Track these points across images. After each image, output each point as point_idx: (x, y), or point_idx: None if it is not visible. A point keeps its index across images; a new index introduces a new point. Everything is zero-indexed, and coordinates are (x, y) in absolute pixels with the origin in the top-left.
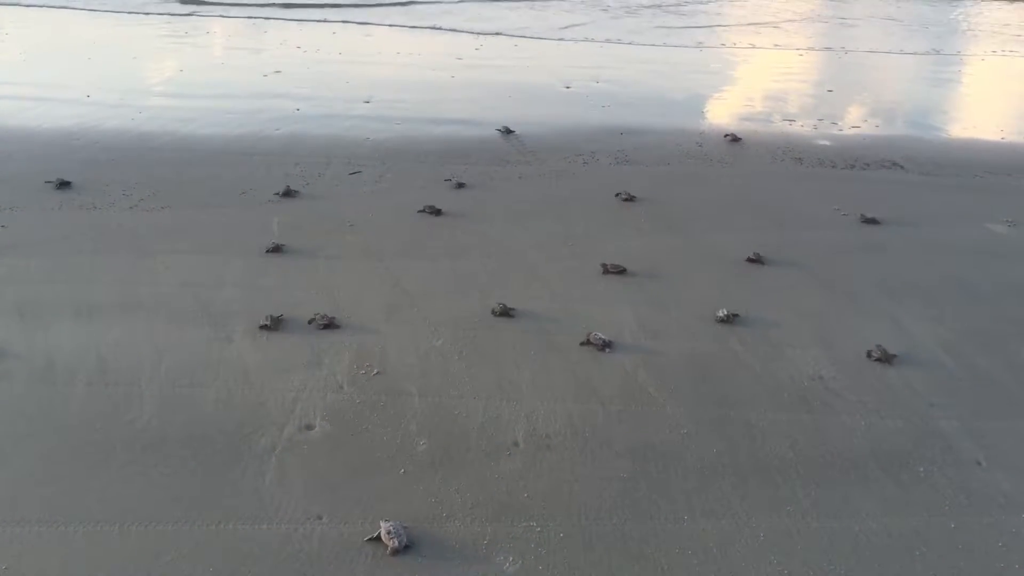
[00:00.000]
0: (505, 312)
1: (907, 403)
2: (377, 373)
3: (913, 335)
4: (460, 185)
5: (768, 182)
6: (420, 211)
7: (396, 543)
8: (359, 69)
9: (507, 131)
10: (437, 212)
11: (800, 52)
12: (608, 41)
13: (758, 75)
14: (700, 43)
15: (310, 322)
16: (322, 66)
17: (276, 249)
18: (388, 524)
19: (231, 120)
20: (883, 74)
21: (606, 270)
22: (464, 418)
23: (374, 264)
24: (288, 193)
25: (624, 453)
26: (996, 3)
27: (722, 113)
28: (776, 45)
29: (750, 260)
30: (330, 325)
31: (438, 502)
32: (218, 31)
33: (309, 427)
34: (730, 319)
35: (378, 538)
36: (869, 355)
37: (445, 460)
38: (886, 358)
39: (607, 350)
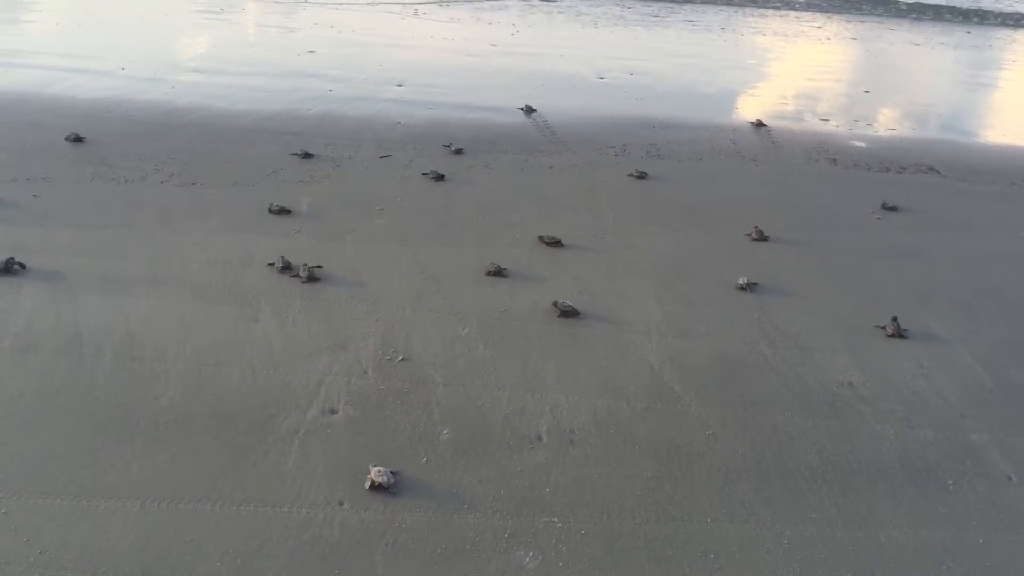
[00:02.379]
0: (533, 304)
1: (938, 413)
2: (402, 360)
3: (946, 344)
4: (490, 173)
5: (802, 182)
6: (449, 197)
7: (384, 479)
8: (392, 52)
9: (529, 110)
10: (554, 241)
11: (837, 51)
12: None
13: (793, 72)
14: (737, 41)
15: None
16: (356, 47)
17: (305, 231)
18: (377, 468)
19: (264, 98)
20: (920, 76)
21: (632, 266)
22: (488, 409)
23: (402, 249)
24: (318, 173)
25: (648, 451)
26: None
27: (756, 109)
28: (812, 40)
29: (777, 261)
30: (355, 308)
31: (459, 493)
32: (253, 7)
33: (333, 411)
34: (759, 320)
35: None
36: (900, 362)
37: (468, 450)
38: (916, 366)
39: (572, 318)
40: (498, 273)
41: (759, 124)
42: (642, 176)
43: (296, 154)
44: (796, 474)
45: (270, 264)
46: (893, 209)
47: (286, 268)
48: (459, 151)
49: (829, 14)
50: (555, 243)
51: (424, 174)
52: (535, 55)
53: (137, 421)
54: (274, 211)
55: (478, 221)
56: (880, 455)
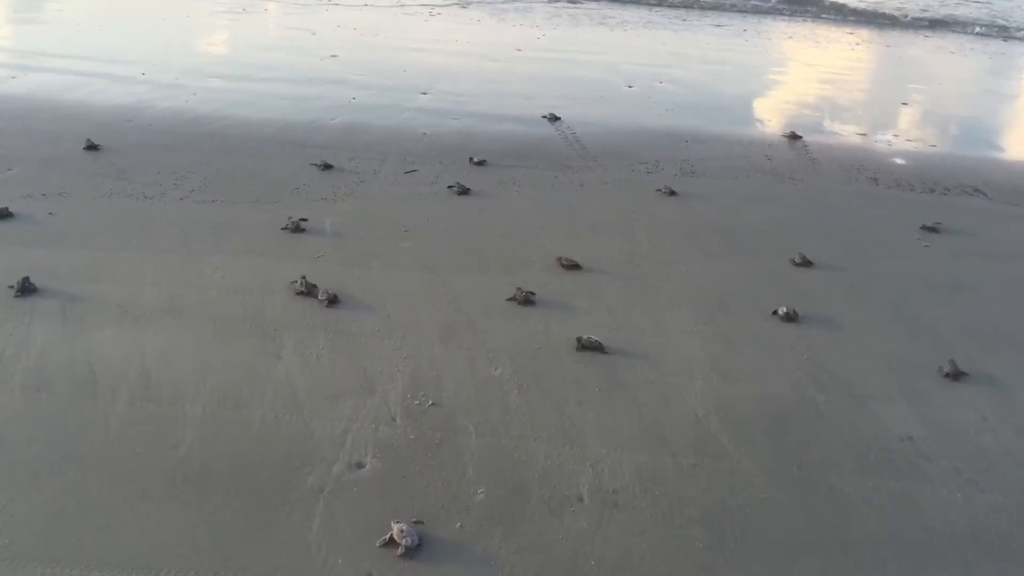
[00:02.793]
0: (582, 346)
1: (1008, 474)
2: (432, 404)
3: (1010, 391)
4: (519, 191)
5: (842, 203)
6: (476, 217)
7: (408, 541)
8: (417, 57)
9: (553, 118)
10: (571, 263)
11: (870, 59)
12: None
13: (826, 82)
14: (766, 48)
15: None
16: (379, 52)
17: (328, 255)
18: (400, 524)
19: (286, 106)
20: (961, 89)
21: (671, 296)
22: (524, 464)
23: (430, 277)
24: (341, 190)
25: (698, 518)
26: None
27: (790, 121)
28: (844, 47)
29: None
30: (382, 344)
31: (498, 565)
32: (274, 9)
33: (360, 465)
34: (808, 361)
35: (391, 540)
36: (961, 413)
37: (505, 514)
38: (980, 417)
39: (603, 354)
40: (527, 301)
41: (794, 136)
42: (674, 194)
43: (316, 164)
44: (860, 547)
45: (292, 282)
46: (938, 233)
47: (308, 291)
48: (484, 164)
49: (858, 26)
50: (573, 266)
51: (450, 187)
52: (561, 60)
53: (153, 476)
54: (289, 228)
55: (507, 244)
56: (949, 523)
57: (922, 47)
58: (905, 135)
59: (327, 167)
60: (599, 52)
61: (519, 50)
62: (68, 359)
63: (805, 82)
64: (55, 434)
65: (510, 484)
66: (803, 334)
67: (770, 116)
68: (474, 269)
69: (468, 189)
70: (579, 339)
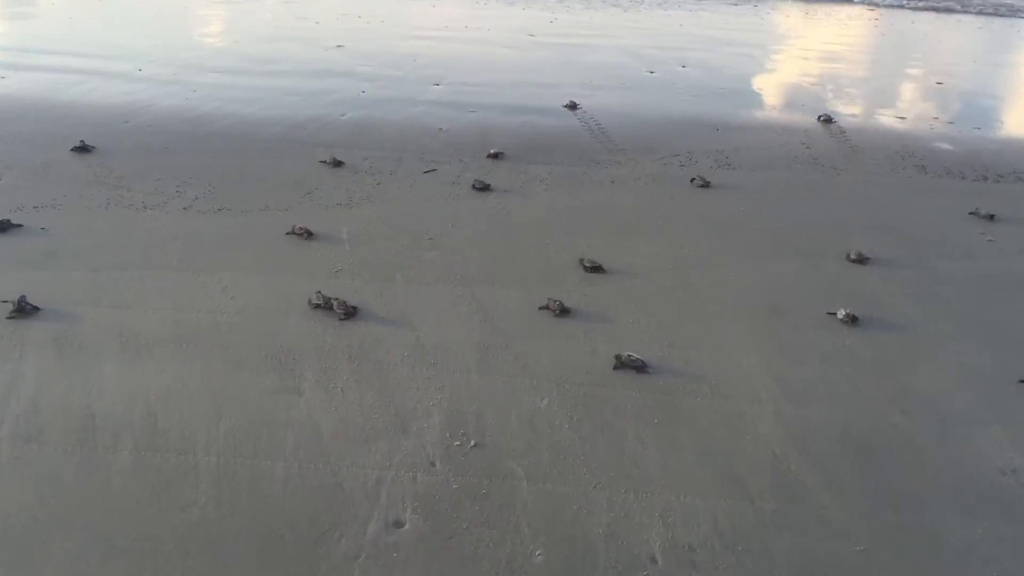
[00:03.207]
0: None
1: None
2: (475, 445)
3: None
4: (547, 189)
5: (891, 195)
6: (504, 220)
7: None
8: (426, 45)
9: (573, 106)
10: (596, 267)
11: (896, 38)
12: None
13: (853, 62)
14: (787, 27)
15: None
16: (386, 41)
17: (347, 268)
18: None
19: (294, 103)
20: (993, 68)
21: (722, 305)
22: (586, 516)
23: (459, 291)
24: (357, 194)
25: None
26: None
27: (820, 105)
28: (867, 25)
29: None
30: (413, 373)
31: None
32: None
33: (398, 524)
34: (884, 378)
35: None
36: None
37: None
38: None
39: (644, 373)
40: (563, 312)
41: (827, 120)
42: (711, 187)
43: (326, 162)
44: None
45: (311, 303)
46: (994, 223)
47: (325, 304)
48: (506, 159)
49: (874, 3)
50: (596, 268)
51: (474, 187)
52: (577, 45)
53: (161, 544)
54: (297, 233)
55: (540, 250)
56: None
57: (943, 24)
58: (944, 117)
59: (339, 165)
60: (614, 36)
61: (531, 35)
62: (63, 401)
63: (829, 61)
64: (48, 495)
65: (571, 541)
66: (870, 342)
67: (799, 99)
68: (506, 280)
69: (491, 186)
70: (618, 357)
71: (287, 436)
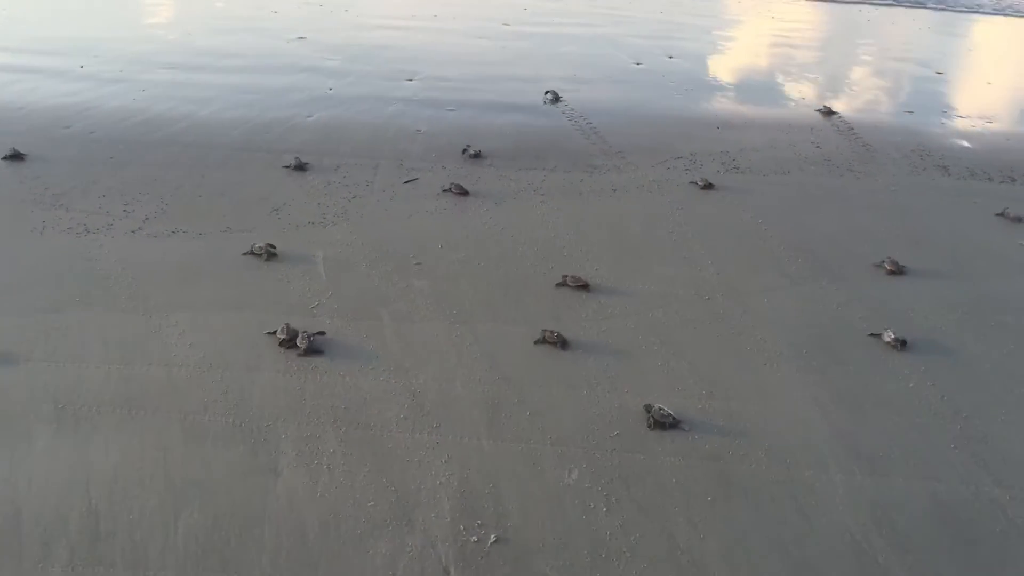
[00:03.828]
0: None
1: None
2: (495, 541)
3: None
4: (543, 200)
5: (917, 202)
6: (500, 238)
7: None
8: (395, 35)
9: (555, 98)
10: (580, 283)
11: (885, 24)
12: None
13: (847, 51)
14: (768, 11)
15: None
16: (352, 31)
17: (324, 303)
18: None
19: (254, 103)
20: (994, 53)
21: (761, 342)
22: None
23: (457, 329)
24: (331, 209)
25: None
26: None
27: (823, 97)
28: (853, 11)
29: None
30: (413, 440)
31: None
32: None
33: None
34: (964, 433)
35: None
36: None
37: None
38: None
39: (680, 427)
40: (564, 344)
41: (828, 112)
42: (719, 193)
43: (290, 167)
44: None
45: (271, 333)
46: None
47: (289, 340)
48: (493, 164)
49: None
50: (582, 286)
51: (461, 197)
52: (555, 35)
53: None
54: (257, 253)
55: (545, 275)
56: None
57: (925, 15)
58: (955, 111)
59: (305, 170)
60: (593, 24)
61: (506, 24)
62: None
63: (819, 50)
64: None
65: None
66: (935, 383)
67: (794, 90)
68: (510, 314)
69: (480, 196)
70: (648, 409)
71: (263, 537)
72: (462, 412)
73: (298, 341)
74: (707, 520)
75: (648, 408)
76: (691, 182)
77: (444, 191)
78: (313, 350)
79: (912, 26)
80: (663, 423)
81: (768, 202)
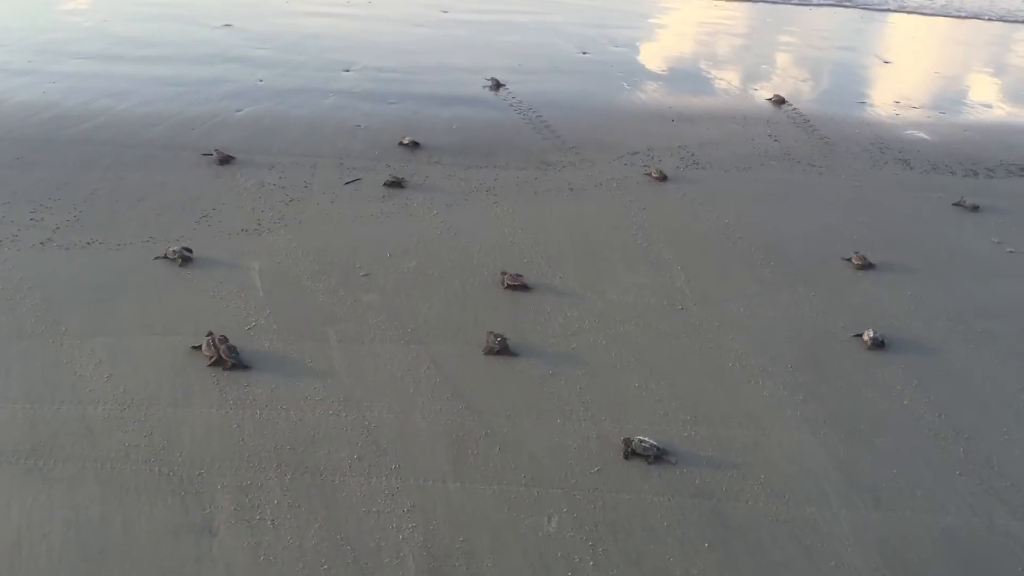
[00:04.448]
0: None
1: None
2: None
3: None
4: (496, 201)
5: (883, 198)
6: (452, 243)
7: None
8: (328, 23)
9: (496, 85)
10: (519, 283)
11: (824, 14)
12: None
13: (788, 40)
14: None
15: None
16: (282, 19)
17: (261, 322)
18: None
19: (178, 96)
20: (935, 39)
21: (742, 357)
22: None
23: (412, 351)
24: (267, 215)
25: None
26: None
27: (775, 87)
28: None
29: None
30: (370, 487)
31: None
32: None
33: None
34: (968, 460)
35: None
36: None
37: None
38: None
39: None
40: (503, 350)
41: (780, 101)
42: (679, 189)
43: (209, 155)
44: None
45: (196, 347)
46: (981, 214)
47: (219, 361)
48: (441, 162)
49: None
50: (520, 286)
51: (408, 198)
52: (497, 23)
53: None
54: (171, 258)
55: (504, 286)
56: None
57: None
58: (907, 100)
59: (229, 165)
60: (534, 12)
61: (445, 12)
62: None
63: (768, 39)
64: None
65: None
66: (930, 398)
67: (750, 82)
68: (469, 332)
69: (429, 197)
70: (627, 442)
71: None
72: (424, 449)
73: (222, 353)
74: (706, 570)
75: (627, 441)
76: (645, 173)
77: (385, 184)
78: (240, 364)
79: (850, 20)
80: (647, 456)
81: (733, 200)
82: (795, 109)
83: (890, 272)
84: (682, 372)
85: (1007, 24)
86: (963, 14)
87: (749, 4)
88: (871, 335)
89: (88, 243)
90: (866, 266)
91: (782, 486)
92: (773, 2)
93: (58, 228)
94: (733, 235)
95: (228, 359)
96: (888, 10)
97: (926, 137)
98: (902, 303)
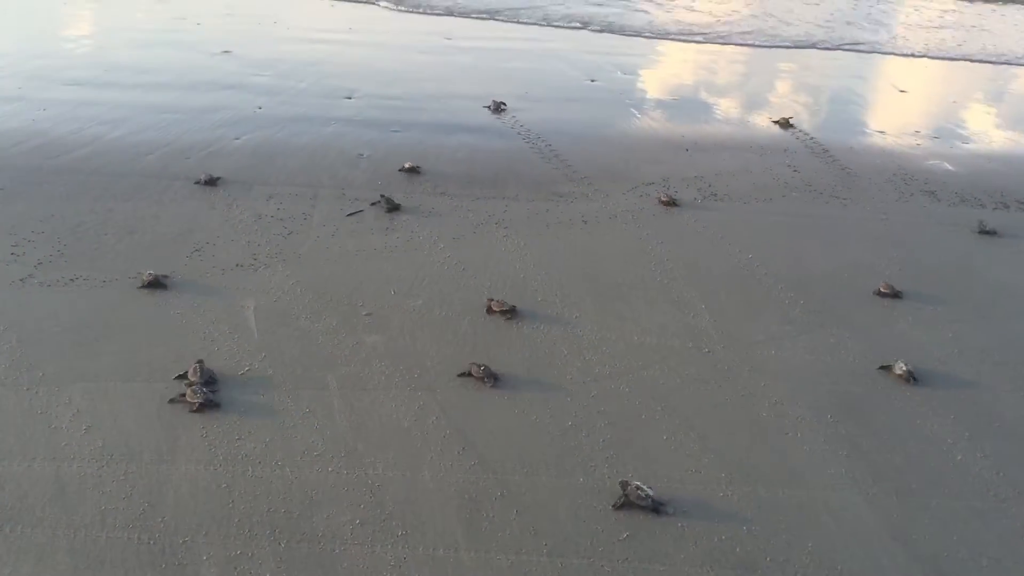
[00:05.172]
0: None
1: None
2: None
3: None
4: (507, 234)
5: (914, 232)
6: (462, 278)
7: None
8: (329, 50)
9: (498, 107)
10: (507, 310)
11: (834, 50)
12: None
13: (800, 68)
14: (710, 34)
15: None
16: (282, 45)
17: (256, 366)
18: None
19: (172, 123)
20: (949, 72)
21: (777, 405)
22: None
23: (419, 398)
24: (263, 249)
25: None
26: None
27: (789, 114)
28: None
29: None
30: (373, 556)
31: None
32: None
33: None
34: None
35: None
36: None
37: None
38: None
39: (663, 511)
40: (493, 379)
41: (786, 124)
42: (698, 222)
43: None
44: None
45: (179, 377)
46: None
47: (207, 403)
48: (448, 193)
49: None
50: (509, 311)
51: (411, 230)
52: (501, 50)
53: None
54: (144, 286)
55: (517, 327)
56: None
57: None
58: (928, 131)
59: (215, 185)
60: (538, 38)
61: (448, 39)
62: None
63: (782, 71)
64: None
65: None
66: (981, 451)
67: (759, 108)
68: (478, 382)
69: (435, 230)
70: (624, 486)
71: None
72: (433, 512)
73: (188, 395)
74: None
75: (624, 485)
76: (658, 199)
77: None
78: (210, 403)
79: (861, 57)
80: (641, 505)
81: (754, 233)
82: (813, 139)
83: (927, 311)
84: (713, 423)
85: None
86: (978, 58)
87: (751, 48)
88: (903, 367)
89: (71, 279)
90: (893, 295)
91: (833, 556)
92: (775, 47)
93: (40, 263)
94: (757, 271)
95: (195, 398)
96: (894, 54)
97: (951, 168)
98: (944, 345)
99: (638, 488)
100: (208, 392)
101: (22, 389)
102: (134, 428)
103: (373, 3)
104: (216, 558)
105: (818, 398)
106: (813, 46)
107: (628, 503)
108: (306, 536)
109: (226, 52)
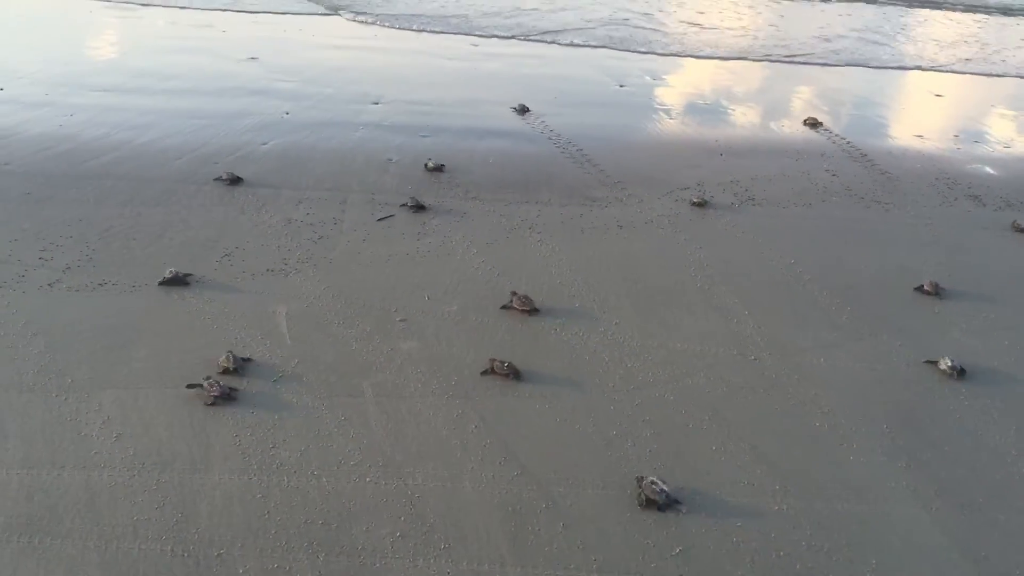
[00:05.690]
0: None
1: None
2: None
3: None
4: (541, 239)
5: (961, 237)
6: (497, 283)
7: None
8: (355, 56)
9: (523, 109)
10: (528, 307)
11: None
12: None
13: (838, 80)
14: (746, 52)
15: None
16: (308, 51)
17: (288, 376)
18: None
19: (200, 129)
20: (981, 82)
21: (829, 415)
22: None
23: (457, 406)
24: (293, 255)
25: None
26: None
27: (820, 120)
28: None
29: None
30: (414, 567)
31: None
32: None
33: None
34: None
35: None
36: None
37: None
38: None
39: (678, 508)
40: (515, 375)
41: (815, 124)
42: (738, 226)
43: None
44: None
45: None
46: None
47: (224, 396)
48: (479, 197)
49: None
50: (531, 310)
51: (446, 236)
52: (529, 55)
53: None
54: (165, 282)
55: (556, 332)
56: None
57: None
58: (966, 134)
59: (256, 205)
60: (565, 43)
61: (475, 45)
62: None
63: (810, 75)
64: None
65: None
66: None
67: (793, 113)
68: (521, 386)
69: (468, 235)
70: (639, 482)
71: None
72: (476, 525)
73: (204, 386)
74: None
75: (639, 480)
76: (691, 202)
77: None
78: (226, 397)
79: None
80: (656, 501)
81: (795, 238)
82: (850, 143)
83: (979, 317)
84: (764, 433)
85: None
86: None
87: (779, 64)
88: (948, 363)
89: (100, 284)
90: (935, 293)
91: (900, 574)
92: (807, 63)
93: (68, 268)
94: (800, 276)
95: (212, 391)
96: (934, 70)
97: (993, 172)
98: (1000, 353)
99: (652, 483)
100: (226, 387)
101: (51, 395)
102: (166, 436)
103: (407, 28)
104: (253, 571)
105: (872, 407)
106: (850, 63)
107: (649, 501)
108: (345, 549)
109: (253, 58)
